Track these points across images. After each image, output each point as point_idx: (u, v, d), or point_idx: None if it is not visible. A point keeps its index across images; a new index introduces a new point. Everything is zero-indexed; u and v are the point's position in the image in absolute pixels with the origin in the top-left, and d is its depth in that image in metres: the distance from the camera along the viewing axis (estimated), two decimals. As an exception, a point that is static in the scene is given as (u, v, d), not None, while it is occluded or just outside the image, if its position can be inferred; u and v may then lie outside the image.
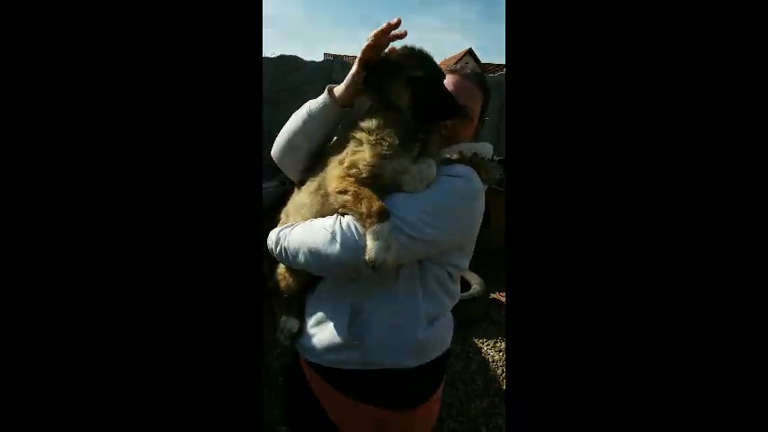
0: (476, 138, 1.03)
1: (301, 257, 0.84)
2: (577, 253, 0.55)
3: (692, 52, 0.50)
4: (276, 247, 0.90)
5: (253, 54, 0.58)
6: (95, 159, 0.51)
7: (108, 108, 0.51)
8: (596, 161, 0.54)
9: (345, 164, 0.81)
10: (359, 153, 0.80)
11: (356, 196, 0.76)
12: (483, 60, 18.93)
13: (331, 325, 0.88)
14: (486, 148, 0.98)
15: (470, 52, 18.70)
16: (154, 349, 0.53)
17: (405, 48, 0.84)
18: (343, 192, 0.78)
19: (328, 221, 0.82)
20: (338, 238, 0.78)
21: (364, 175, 0.79)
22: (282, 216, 0.99)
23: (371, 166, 0.79)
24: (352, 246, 0.77)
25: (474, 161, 0.89)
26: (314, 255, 0.81)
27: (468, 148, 0.93)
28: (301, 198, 0.92)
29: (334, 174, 0.82)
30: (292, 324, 0.95)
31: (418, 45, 0.84)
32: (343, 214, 0.81)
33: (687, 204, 0.51)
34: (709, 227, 0.50)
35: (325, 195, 0.84)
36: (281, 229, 0.91)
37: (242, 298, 0.58)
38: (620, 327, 0.52)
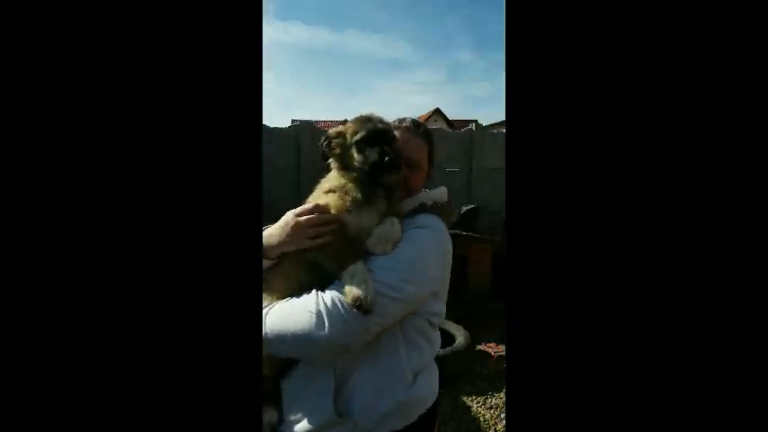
0: (428, 184, 1.08)
1: (285, 346, 0.78)
2: (580, 301, 0.54)
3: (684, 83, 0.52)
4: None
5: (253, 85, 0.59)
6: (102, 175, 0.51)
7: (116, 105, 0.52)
8: (600, 205, 0.54)
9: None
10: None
11: (327, 252, 0.80)
12: (450, 117, 20.27)
13: (313, 406, 0.82)
14: (442, 193, 1.03)
15: (438, 111, 19.85)
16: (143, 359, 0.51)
17: (355, 117, 0.92)
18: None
19: (309, 302, 0.78)
20: (325, 318, 0.74)
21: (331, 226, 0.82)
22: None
23: (342, 211, 0.83)
24: (341, 324, 0.74)
25: (435, 208, 0.94)
26: (300, 341, 0.76)
27: (427, 197, 0.99)
28: (277, 269, 0.88)
29: None
30: (271, 415, 0.87)
31: (367, 111, 0.93)
32: (321, 289, 0.80)
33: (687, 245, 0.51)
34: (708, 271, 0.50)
35: (298, 255, 0.84)
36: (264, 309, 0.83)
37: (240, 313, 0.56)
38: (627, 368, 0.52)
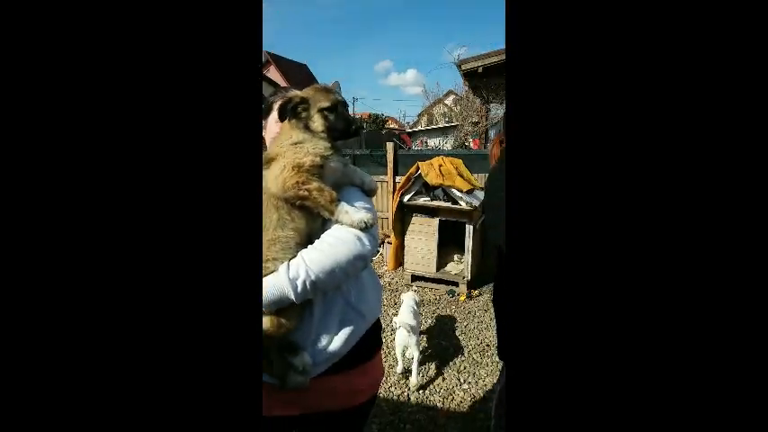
0: None
1: (338, 274, 0.94)
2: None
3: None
4: (296, 289, 0.91)
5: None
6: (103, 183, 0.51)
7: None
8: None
9: (291, 165, 0.92)
10: (299, 153, 0.95)
11: (319, 189, 0.92)
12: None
13: (343, 318, 1.02)
14: None
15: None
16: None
17: (314, 86, 1.05)
18: (304, 183, 0.91)
19: (343, 234, 0.94)
20: (364, 239, 0.95)
21: (308, 165, 0.93)
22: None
23: (318, 156, 0.95)
24: (372, 239, 0.97)
25: None
26: (352, 263, 0.94)
27: None
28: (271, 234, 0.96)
29: (284, 177, 0.92)
30: (304, 357, 0.96)
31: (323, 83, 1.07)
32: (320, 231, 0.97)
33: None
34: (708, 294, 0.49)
35: (291, 206, 0.95)
36: (289, 273, 0.91)
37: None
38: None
